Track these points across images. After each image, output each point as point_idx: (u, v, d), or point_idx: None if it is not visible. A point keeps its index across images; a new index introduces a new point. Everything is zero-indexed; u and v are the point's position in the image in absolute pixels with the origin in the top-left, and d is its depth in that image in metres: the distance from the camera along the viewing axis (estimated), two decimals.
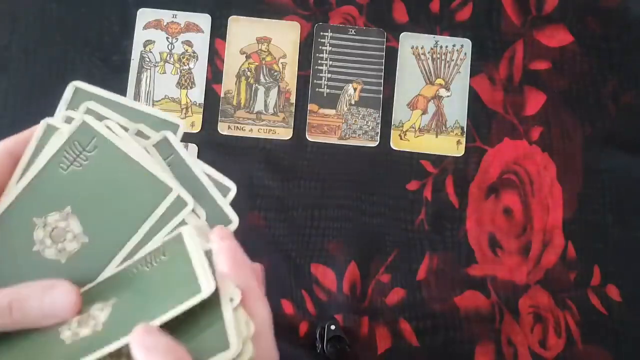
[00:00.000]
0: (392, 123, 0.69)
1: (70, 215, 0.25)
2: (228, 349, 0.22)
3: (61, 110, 0.28)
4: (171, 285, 0.24)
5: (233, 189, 0.29)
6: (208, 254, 0.24)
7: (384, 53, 0.70)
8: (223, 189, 0.28)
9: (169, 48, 0.69)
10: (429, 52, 0.71)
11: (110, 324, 0.23)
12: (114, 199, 0.25)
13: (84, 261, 0.25)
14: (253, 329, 0.23)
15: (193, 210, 0.27)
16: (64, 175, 0.25)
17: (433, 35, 0.71)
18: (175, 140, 0.28)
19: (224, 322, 0.22)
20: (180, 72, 0.69)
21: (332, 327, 0.61)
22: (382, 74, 0.70)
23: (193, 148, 0.67)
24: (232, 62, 0.70)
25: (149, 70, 0.69)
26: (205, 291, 0.23)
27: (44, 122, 0.26)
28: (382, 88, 0.69)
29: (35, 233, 0.25)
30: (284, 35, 0.70)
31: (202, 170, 0.28)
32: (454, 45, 0.71)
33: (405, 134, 0.69)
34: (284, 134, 0.68)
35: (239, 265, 0.25)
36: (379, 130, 0.69)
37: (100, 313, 0.24)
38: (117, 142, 0.25)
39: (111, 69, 0.69)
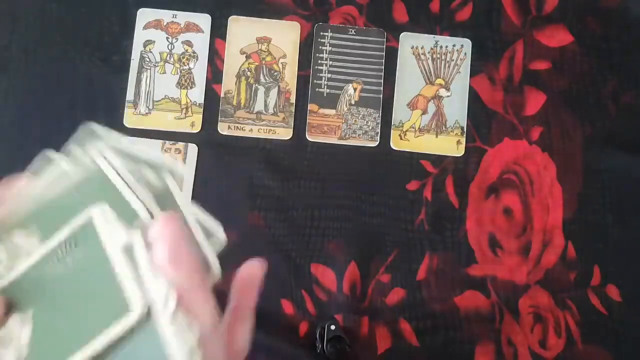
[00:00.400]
0: (392, 123, 0.69)
1: (28, 320, 0.23)
2: None
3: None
4: (91, 299, 0.21)
5: (222, 239, 0.28)
6: (128, 249, 0.22)
7: (384, 53, 0.70)
8: (212, 238, 0.27)
9: (169, 48, 0.69)
10: (429, 52, 0.70)
11: (47, 342, 0.21)
12: (78, 309, 0.22)
13: None
14: (197, 333, 0.21)
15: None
16: (43, 274, 0.23)
17: (433, 35, 0.71)
18: (174, 186, 0.26)
19: (158, 334, 0.20)
20: (180, 72, 0.69)
21: (332, 327, 0.61)
22: (382, 74, 0.70)
23: (193, 148, 0.67)
24: (232, 62, 0.70)
25: (149, 70, 0.69)
26: (136, 311, 0.20)
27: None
28: (382, 88, 0.69)
29: None
30: (284, 35, 0.70)
31: (196, 218, 0.26)
32: (454, 45, 0.71)
33: (405, 134, 0.69)
34: (284, 134, 0.68)
35: (179, 261, 0.22)
36: (379, 130, 0.69)
37: (20, 330, 0.22)
38: (108, 245, 0.22)
39: (111, 69, 0.68)
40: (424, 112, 0.70)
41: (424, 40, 0.71)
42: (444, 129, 0.69)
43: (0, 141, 0.66)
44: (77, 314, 0.22)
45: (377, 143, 0.69)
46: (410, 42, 0.71)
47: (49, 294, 0.23)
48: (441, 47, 0.71)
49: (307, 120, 0.69)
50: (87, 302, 0.22)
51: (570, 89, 0.71)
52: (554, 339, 0.66)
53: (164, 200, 0.26)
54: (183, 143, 0.67)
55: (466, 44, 0.71)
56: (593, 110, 0.70)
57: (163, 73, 0.69)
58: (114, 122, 0.67)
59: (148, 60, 0.69)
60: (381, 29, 0.71)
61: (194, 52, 0.69)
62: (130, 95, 0.68)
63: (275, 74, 0.70)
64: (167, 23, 0.70)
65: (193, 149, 0.67)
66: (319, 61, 0.70)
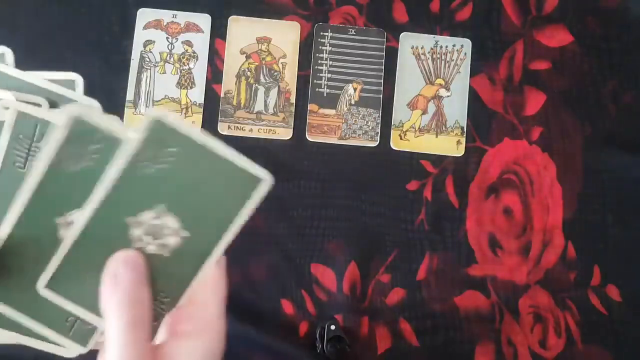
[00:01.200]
0: (392, 123, 0.69)
1: (165, 212, 0.26)
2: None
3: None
4: (217, 179, 0.25)
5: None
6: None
7: (384, 53, 0.70)
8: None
9: (169, 48, 0.69)
10: (429, 52, 0.71)
11: (197, 225, 0.26)
12: (206, 193, 0.26)
13: (187, 253, 0.26)
14: None
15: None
16: (149, 174, 0.25)
17: (433, 35, 0.71)
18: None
19: None
20: (180, 72, 0.69)
21: (332, 327, 0.61)
22: (382, 74, 0.70)
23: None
24: (232, 62, 0.70)
25: (149, 70, 0.69)
26: (267, 179, 0.26)
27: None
28: (382, 88, 0.69)
29: (131, 231, 0.26)
30: (284, 35, 0.70)
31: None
32: (454, 45, 0.71)
33: (405, 134, 0.69)
34: (284, 134, 0.68)
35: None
36: (379, 130, 0.69)
37: (163, 220, 0.25)
38: (197, 137, 0.25)
39: (111, 69, 0.69)
40: (424, 112, 0.70)
41: (424, 40, 0.71)
42: (444, 129, 0.69)
43: None
44: (208, 197, 0.26)
45: (377, 143, 0.69)
46: (410, 42, 0.71)
47: (169, 190, 0.25)
48: (441, 47, 0.71)
49: (307, 120, 0.69)
50: (212, 185, 0.26)
51: (570, 89, 0.71)
52: (554, 339, 0.66)
53: None
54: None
55: (466, 44, 0.71)
56: (593, 110, 0.70)
57: (163, 73, 0.69)
58: None
59: (148, 60, 0.69)
60: (381, 29, 0.71)
61: (194, 52, 0.69)
62: (130, 95, 0.68)
63: (275, 74, 0.70)
64: (167, 23, 0.70)
65: None
66: (319, 61, 0.70)
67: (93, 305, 0.26)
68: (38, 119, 0.26)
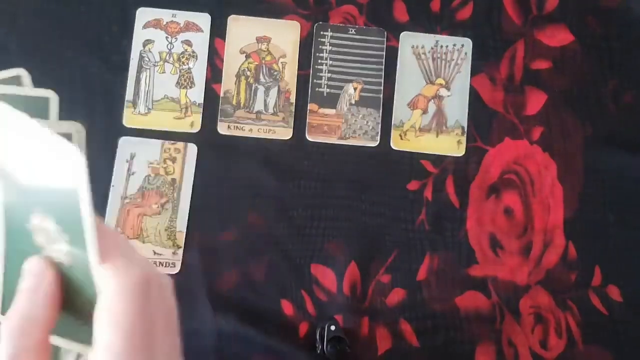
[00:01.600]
0: (392, 123, 0.69)
1: (43, 215, 0.24)
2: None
3: None
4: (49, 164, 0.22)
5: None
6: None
7: (384, 52, 0.70)
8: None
9: (169, 47, 0.69)
10: (429, 52, 0.70)
11: (67, 227, 0.23)
12: (53, 184, 0.23)
13: (79, 260, 0.24)
14: None
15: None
16: (19, 181, 0.24)
17: (433, 35, 0.71)
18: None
19: None
20: (180, 71, 0.69)
21: (332, 327, 0.61)
22: (382, 73, 0.70)
23: (193, 148, 0.67)
24: (232, 62, 0.69)
25: (148, 70, 0.69)
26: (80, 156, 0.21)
27: None
28: (382, 88, 0.69)
29: (36, 240, 0.25)
30: (283, 35, 0.70)
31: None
32: (454, 45, 0.70)
33: (405, 134, 0.69)
34: (284, 133, 0.68)
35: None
36: (379, 130, 0.69)
37: (46, 223, 0.24)
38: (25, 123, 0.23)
39: (110, 68, 0.68)
40: (425, 111, 0.69)
41: (425, 40, 0.70)
42: (444, 128, 0.69)
43: None
44: (58, 188, 0.23)
45: (377, 143, 0.68)
46: (410, 42, 0.70)
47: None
48: (441, 46, 0.70)
49: (307, 120, 0.68)
50: (57, 182, 0.23)
51: (571, 89, 0.70)
52: (554, 339, 0.65)
53: None
54: (183, 143, 0.67)
55: (467, 43, 0.71)
56: (594, 109, 0.70)
57: (162, 73, 0.69)
58: (113, 121, 0.67)
59: (147, 59, 0.69)
60: (381, 29, 0.70)
61: (193, 52, 0.69)
62: (129, 94, 0.68)
63: (275, 73, 0.69)
64: (167, 22, 0.70)
65: (192, 148, 0.67)
66: (319, 61, 0.70)
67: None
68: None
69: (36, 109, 0.25)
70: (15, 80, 0.29)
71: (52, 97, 0.30)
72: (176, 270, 0.64)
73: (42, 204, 0.23)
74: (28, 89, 0.28)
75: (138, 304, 0.23)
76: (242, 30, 0.70)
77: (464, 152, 0.69)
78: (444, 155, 0.69)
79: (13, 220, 0.25)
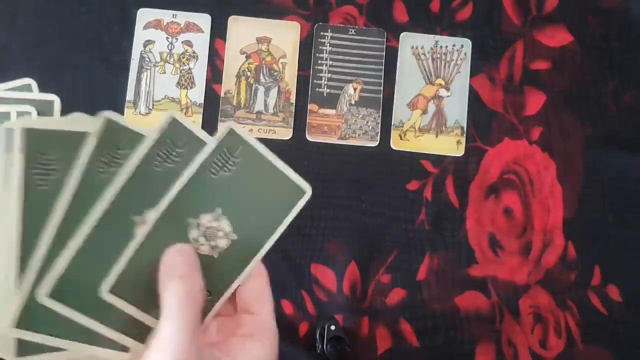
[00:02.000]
0: (392, 123, 0.69)
1: (221, 216, 0.28)
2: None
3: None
4: (269, 188, 0.29)
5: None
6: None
7: (384, 53, 0.70)
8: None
9: (169, 48, 0.69)
10: (429, 52, 0.70)
11: (245, 229, 0.28)
12: (258, 200, 0.29)
13: (233, 256, 0.28)
14: None
15: None
16: (214, 179, 0.28)
17: (433, 35, 0.71)
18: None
19: None
20: (180, 72, 0.69)
21: (332, 327, 0.61)
22: (382, 74, 0.70)
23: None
24: (232, 62, 0.70)
25: (148, 70, 0.69)
26: (308, 191, 0.29)
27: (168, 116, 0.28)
28: (382, 88, 0.69)
29: (190, 232, 0.27)
30: (283, 35, 0.70)
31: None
32: (454, 45, 0.71)
33: (405, 134, 0.69)
34: (284, 134, 0.68)
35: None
36: (379, 130, 0.69)
37: (219, 223, 0.28)
38: (260, 149, 0.29)
39: (111, 69, 0.68)
40: (424, 112, 0.70)
41: (424, 40, 0.71)
42: (444, 128, 0.69)
43: None
44: (259, 204, 0.29)
45: (377, 143, 0.69)
46: (410, 42, 0.71)
47: (227, 195, 0.28)
48: (441, 47, 0.71)
49: (307, 120, 0.69)
50: (264, 193, 0.29)
51: (570, 89, 0.70)
52: (554, 339, 0.65)
53: None
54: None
55: (466, 43, 0.71)
56: (593, 110, 0.70)
57: (163, 73, 0.69)
58: None
59: (148, 60, 0.69)
60: (381, 29, 0.71)
61: (194, 52, 0.69)
62: (130, 95, 0.68)
63: (275, 74, 0.70)
64: (167, 23, 0.70)
65: None
66: (319, 61, 0.70)
67: (153, 308, 0.26)
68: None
69: (42, 109, 0.28)
70: (26, 88, 0.33)
71: (55, 100, 0.33)
72: None
73: (231, 206, 0.28)
74: (36, 94, 0.30)
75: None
76: (243, 30, 0.70)
77: (463, 152, 0.69)
78: (444, 155, 0.69)
79: (177, 211, 0.27)
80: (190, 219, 0.27)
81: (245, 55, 0.70)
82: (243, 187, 0.28)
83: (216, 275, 0.28)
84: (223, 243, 0.28)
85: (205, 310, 0.28)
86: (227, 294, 0.29)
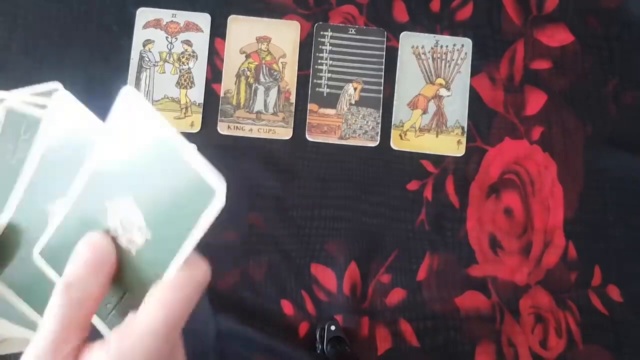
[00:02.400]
0: (393, 123, 0.69)
1: (133, 205, 0.25)
2: None
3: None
4: (182, 185, 0.24)
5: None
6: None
7: (384, 52, 0.70)
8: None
9: (169, 47, 0.69)
10: (429, 52, 0.70)
11: (157, 228, 0.25)
12: (170, 196, 0.25)
13: (150, 256, 0.26)
14: None
15: None
16: (124, 164, 0.25)
17: (433, 35, 0.71)
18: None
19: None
20: (180, 71, 0.69)
21: (332, 327, 0.61)
22: (382, 73, 0.70)
23: (192, 148, 0.67)
24: (232, 62, 0.69)
25: (148, 70, 0.69)
26: (220, 193, 0.24)
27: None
28: (382, 88, 0.69)
29: (109, 219, 0.26)
30: (283, 35, 0.70)
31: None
32: (454, 45, 0.70)
33: (405, 134, 0.69)
34: (284, 133, 0.68)
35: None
36: (379, 130, 0.69)
37: (131, 213, 0.25)
38: (167, 135, 0.25)
39: (111, 68, 0.68)
40: (425, 111, 0.69)
41: (425, 40, 0.70)
42: (444, 128, 0.69)
43: None
44: (170, 201, 0.25)
45: (377, 143, 0.68)
46: (410, 42, 0.70)
47: (140, 186, 0.25)
48: (441, 46, 0.70)
49: (307, 120, 0.68)
50: (175, 189, 0.25)
51: (571, 89, 0.70)
52: (554, 339, 0.65)
53: None
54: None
55: (467, 43, 0.71)
56: (594, 109, 0.70)
57: (162, 73, 0.69)
58: None
59: (147, 59, 0.69)
60: (381, 29, 0.70)
61: (193, 52, 0.69)
62: None
63: (275, 73, 0.69)
64: (167, 22, 0.70)
65: (192, 148, 0.67)
66: (319, 61, 0.70)
67: None
68: (26, 114, 0.28)
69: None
70: (53, 93, 0.31)
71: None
72: None
73: (142, 197, 0.25)
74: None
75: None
76: (242, 30, 0.70)
77: (464, 152, 0.68)
78: (444, 155, 0.69)
79: (98, 188, 0.26)
80: (107, 201, 0.26)
81: (245, 54, 0.70)
82: (153, 177, 0.25)
83: (134, 275, 0.26)
84: (138, 238, 0.25)
85: (124, 308, 0.26)
86: (144, 296, 0.26)
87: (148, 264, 0.26)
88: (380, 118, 0.69)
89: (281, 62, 0.70)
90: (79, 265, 0.25)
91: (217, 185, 0.24)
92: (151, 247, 0.25)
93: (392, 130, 0.69)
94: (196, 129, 0.68)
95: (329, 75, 0.69)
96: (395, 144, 0.68)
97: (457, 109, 0.69)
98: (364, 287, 0.65)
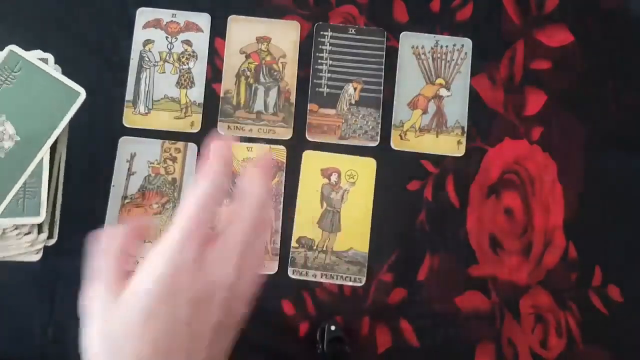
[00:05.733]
0: (392, 123, 0.69)
1: (5, 121, 0.36)
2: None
3: None
4: (46, 94, 0.38)
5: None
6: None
7: (384, 52, 0.70)
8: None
9: (169, 47, 0.69)
10: (429, 52, 0.70)
11: (27, 131, 0.37)
12: (37, 105, 0.37)
13: (17, 155, 0.36)
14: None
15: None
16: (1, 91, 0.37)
17: (433, 35, 0.71)
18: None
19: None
20: (180, 71, 0.69)
21: (332, 327, 0.61)
22: (382, 73, 0.70)
23: (193, 148, 0.67)
24: (232, 62, 0.69)
25: (148, 70, 0.69)
26: (82, 93, 0.40)
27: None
28: (382, 88, 0.69)
29: None
30: (283, 35, 0.70)
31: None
32: (454, 45, 0.70)
33: (405, 134, 0.69)
34: (284, 133, 0.68)
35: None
36: (379, 130, 0.69)
37: (4, 127, 0.35)
38: (37, 63, 0.38)
39: (110, 68, 0.68)
40: (425, 112, 0.69)
41: (425, 40, 0.70)
42: (444, 128, 0.69)
43: None
44: (38, 108, 0.39)
45: (377, 143, 0.68)
46: (410, 42, 0.70)
47: (10, 104, 0.38)
48: (441, 46, 0.70)
49: (307, 120, 0.68)
50: (42, 99, 0.39)
51: (571, 89, 0.70)
52: (554, 339, 0.65)
53: None
54: (183, 143, 0.67)
55: (467, 43, 0.71)
56: (594, 110, 0.70)
57: (162, 72, 0.69)
58: (113, 121, 0.67)
59: (147, 59, 0.69)
60: (381, 29, 0.70)
61: (193, 52, 0.69)
62: (129, 94, 0.68)
63: (275, 73, 0.69)
64: (167, 22, 0.70)
65: (193, 148, 0.67)
66: (319, 61, 0.70)
67: None
68: (22, 57, 0.41)
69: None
70: (45, 61, 0.43)
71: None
72: None
73: (13, 113, 0.37)
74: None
75: None
76: (242, 30, 0.70)
77: (464, 152, 0.68)
78: (444, 156, 0.69)
79: None
80: None
81: (245, 54, 0.70)
82: (23, 96, 0.37)
83: (2, 175, 0.35)
84: (8, 144, 0.35)
85: None
86: (10, 195, 0.35)
87: (15, 163, 0.35)
88: (380, 118, 0.69)
89: (281, 62, 0.70)
90: None
91: (79, 88, 0.38)
92: (19, 148, 0.35)
93: (392, 130, 0.69)
94: (196, 129, 0.68)
95: (329, 75, 0.69)
96: (395, 144, 0.68)
97: (457, 109, 0.69)
98: (364, 286, 0.65)
